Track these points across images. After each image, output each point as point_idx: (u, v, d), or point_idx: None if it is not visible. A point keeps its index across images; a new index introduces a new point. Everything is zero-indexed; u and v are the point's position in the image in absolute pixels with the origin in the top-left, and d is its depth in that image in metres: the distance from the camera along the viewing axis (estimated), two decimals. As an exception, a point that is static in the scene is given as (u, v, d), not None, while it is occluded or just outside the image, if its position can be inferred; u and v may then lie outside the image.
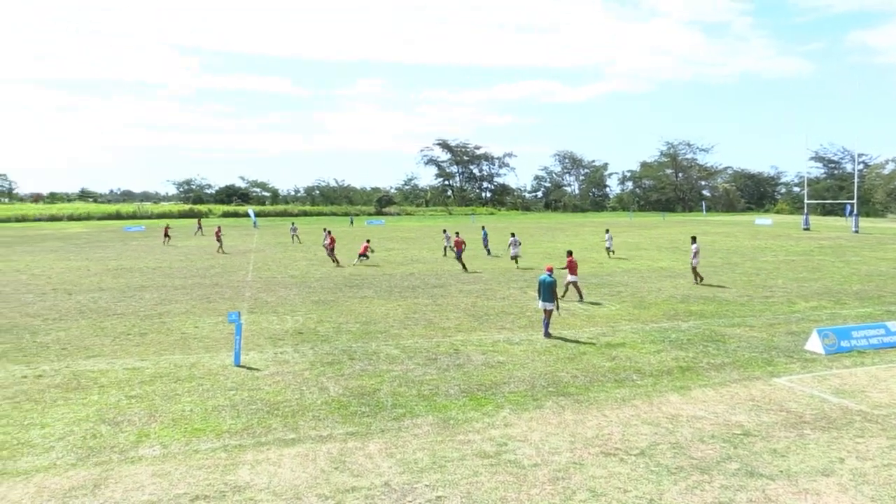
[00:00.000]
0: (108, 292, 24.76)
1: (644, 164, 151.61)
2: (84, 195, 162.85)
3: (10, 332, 17.71)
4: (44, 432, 10.33)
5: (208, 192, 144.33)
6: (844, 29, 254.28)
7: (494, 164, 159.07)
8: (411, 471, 8.76)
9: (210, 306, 21.57)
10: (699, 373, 13.32)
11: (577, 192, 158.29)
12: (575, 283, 22.10)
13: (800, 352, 14.98)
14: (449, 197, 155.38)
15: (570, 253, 22.91)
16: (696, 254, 26.04)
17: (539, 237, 56.74)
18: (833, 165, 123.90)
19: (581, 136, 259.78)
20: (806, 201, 73.44)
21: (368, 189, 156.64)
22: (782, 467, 8.86)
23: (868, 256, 37.02)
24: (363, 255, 34.27)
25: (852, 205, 70.44)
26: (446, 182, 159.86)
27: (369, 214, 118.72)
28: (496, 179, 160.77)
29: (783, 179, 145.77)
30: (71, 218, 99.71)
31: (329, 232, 43.01)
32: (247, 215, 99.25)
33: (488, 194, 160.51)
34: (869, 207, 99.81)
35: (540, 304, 16.59)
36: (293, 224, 54.28)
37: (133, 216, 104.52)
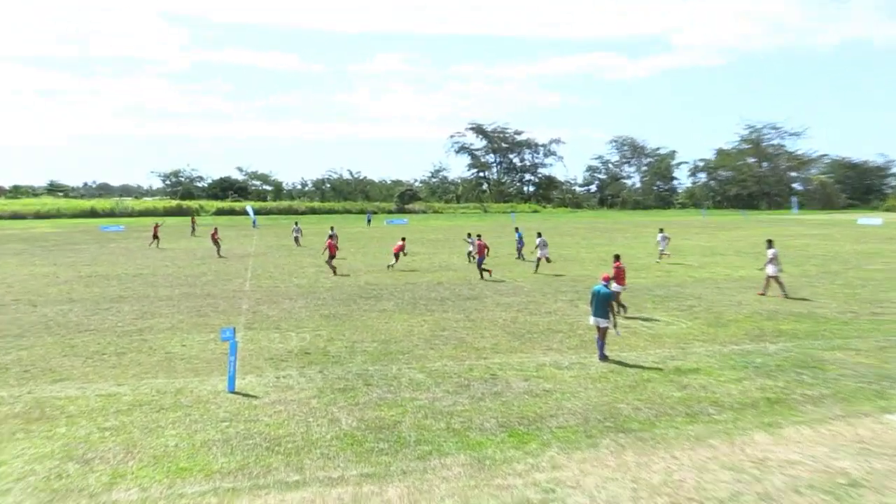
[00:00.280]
0: (79, 304, 25.13)
1: (720, 152, 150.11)
2: (53, 189, 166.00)
3: (-31, 349, 18.01)
4: None
5: (199, 185, 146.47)
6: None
7: (539, 153, 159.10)
8: (439, 522, 8.65)
9: (200, 321, 21.74)
10: (792, 406, 13.02)
11: (638, 185, 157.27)
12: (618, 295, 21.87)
13: (918, 381, 14.55)
14: (484, 192, 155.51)
15: (617, 258, 22.67)
16: (771, 260, 25.82)
17: (593, 240, 56.36)
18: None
19: (644, 119, 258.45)
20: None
21: (388, 182, 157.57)
22: (899, 525, 8.55)
23: None
24: (398, 256, 35.13)
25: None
26: (481, 174, 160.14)
27: (389, 212, 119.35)
28: (541, 171, 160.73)
29: (894, 170, 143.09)
30: (38, 215, 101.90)
31: (332, 233, 43.52)
32: (245, 213, 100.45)
33: (531, 188, 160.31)
34: None
35: (592, 319, 16.40)
36: (296, 224, 54.51)
37: (111, 214, 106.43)
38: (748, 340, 18.53)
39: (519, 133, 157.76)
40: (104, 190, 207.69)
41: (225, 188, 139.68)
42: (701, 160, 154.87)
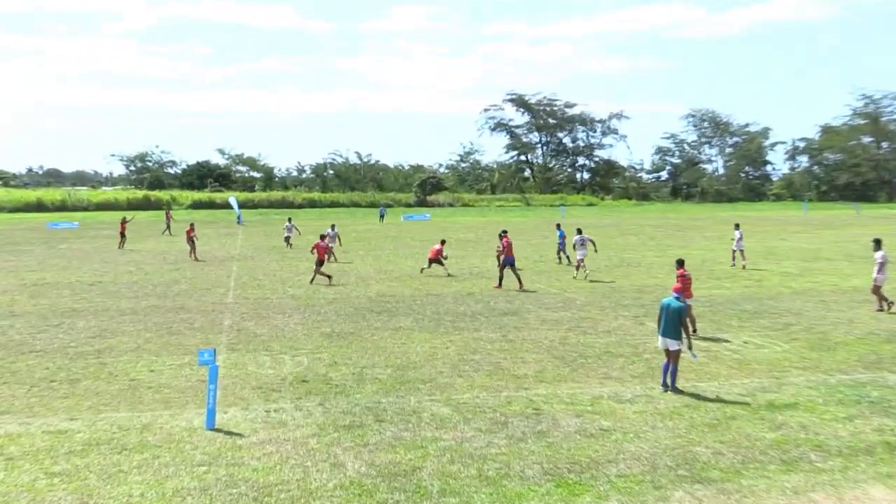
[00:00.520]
0: (22, 319, 25.46)
1: (826, 130, 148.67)
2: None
3: None
4: (-68, 522, 10.60)
5: (171, 171, 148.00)
6: None
7: (595, 131, 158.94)
8: None
9: (172, 340, 21.92)
10: (917, 452, 12.85)
11: (721, 171, 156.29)
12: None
13: None
14: (526, 180, 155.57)
15: (680, 263, 22.47)
16: (881, 267, 25.61)
17: (663, 240, 56.06)
18: None
19: (728, 89, 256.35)
20: None
21: (406, 168, 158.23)
22: None
23: None
24: (438, 261, 35.42)
25: None
26: (522, 157, 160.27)
27: (407, 206, 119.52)
28: (598, 153, 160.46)
29: None
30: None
31: (331, 231, 43.71)
32: (227, 206, 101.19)
33: (585, 175, 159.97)
34: None
35: (661, 340, 16.32)
36: (290, 221, 54.76)
37: (62, 207, 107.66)
38: (861, 369, 18.30)
39: (570, 106, 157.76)
40: (53, 178, 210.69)
41: (203, 175, 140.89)
42: (801, 140, 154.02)
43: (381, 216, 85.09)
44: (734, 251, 38.72)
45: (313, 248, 34.09)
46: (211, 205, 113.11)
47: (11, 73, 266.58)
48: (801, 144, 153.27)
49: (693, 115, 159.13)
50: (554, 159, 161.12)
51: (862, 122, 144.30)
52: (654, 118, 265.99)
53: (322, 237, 34.35)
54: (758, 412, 14.93)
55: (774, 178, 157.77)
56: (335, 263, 40.80)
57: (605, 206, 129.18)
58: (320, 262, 33.40)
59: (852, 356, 19.47)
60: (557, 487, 11.44)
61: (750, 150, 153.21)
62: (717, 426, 14.10)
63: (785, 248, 48.35)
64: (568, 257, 39.89)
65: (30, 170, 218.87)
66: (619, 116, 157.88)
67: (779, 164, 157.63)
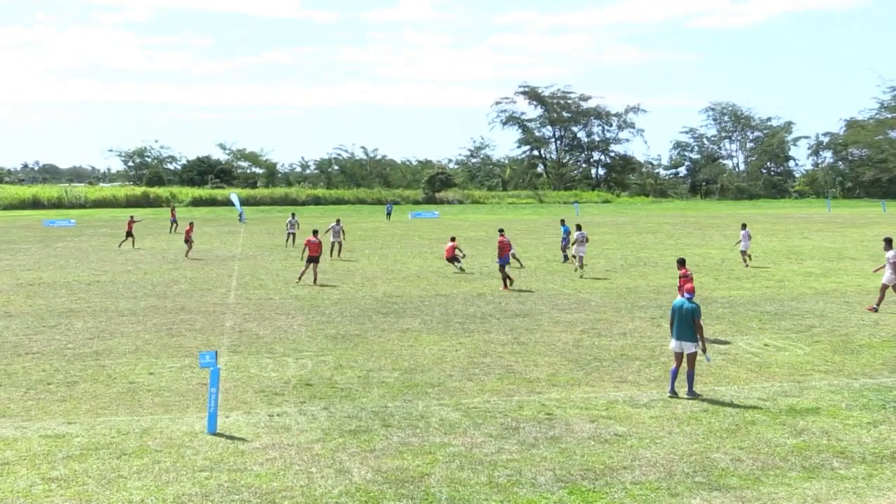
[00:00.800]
0: (18, 320, 25.57)
1: (852, 124, 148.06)
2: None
3: None
4: (-74, 528, 10.69)
5: (171, 167, 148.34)
6: None
7: (611, 125, 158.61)
8: None
9: (172, 342, 22.02)
10: (945, 459, 12.85)
11: (742, 167, 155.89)
12: None
13: None
14: (539, 175, 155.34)
15: (682, 263, 22.52)
16: (895, 266, 25.73)
17: (682, 239, 55.99)
18: None
19: (750, 81, 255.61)
20: None
21: (414, 163, 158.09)
22: None
23: None
24: (455, 258, 36.25)
25: None
26: (535, 152, 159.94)
27: (415, 203, 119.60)
28: (614, 148, 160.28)
29: None
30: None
31: (335, 225, 43.78)
32: (228, 203, 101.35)
33: (601, 171, 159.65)
34: None
35: (674, 344, 16.33)
36: (293, 217, 54.58)
37: (58, 204, 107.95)
38: (887, 373, 18.27)
39: (585, 99, 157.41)
40: (49, 174, 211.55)
41: (203, 171, 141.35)
42: (826, 134, 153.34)
43: (388, 214, 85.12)
44: (742, 252, 38.96)
45: (306, 244, 33.65)
46: (212, 202, 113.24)
47: (7, 65, 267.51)
48: (826, 139, 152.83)
49: (713, 109, 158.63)
50: (568, 154, 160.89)
51: (889, 115, 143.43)
52: (672, 112, 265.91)
53: (314, 233, 34.11)
54: (778, 417, 14.93)
55: (797, 175, 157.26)
56: (340, 261, 40.92)
57: (620, 202, 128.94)
58: (313, 259, 32.98)
59: (877, 359, 19.45)
60: (570, 495, 11.47)
61: (772, 145, 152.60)
62: (736, 431, 14.11)
63: (808, 248, 48.25)
64: (566, 255, 40.39)
65: (25, 166, 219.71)
66: (635, 110, 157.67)
67: (802, 159, 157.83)
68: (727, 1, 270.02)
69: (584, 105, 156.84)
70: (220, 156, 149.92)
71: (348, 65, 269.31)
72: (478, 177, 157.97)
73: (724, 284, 31.65)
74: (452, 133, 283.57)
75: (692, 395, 16.16)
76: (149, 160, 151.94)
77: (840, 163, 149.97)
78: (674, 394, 16.26)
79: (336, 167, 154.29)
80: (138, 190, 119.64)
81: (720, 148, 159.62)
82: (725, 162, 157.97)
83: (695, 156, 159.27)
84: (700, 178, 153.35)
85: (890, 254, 25.91)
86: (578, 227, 36.65)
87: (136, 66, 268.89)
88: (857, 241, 52.29)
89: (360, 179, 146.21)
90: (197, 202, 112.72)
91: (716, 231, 62.75)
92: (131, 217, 55.74)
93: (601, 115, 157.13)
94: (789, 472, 12.25)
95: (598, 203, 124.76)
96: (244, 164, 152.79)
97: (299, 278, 32.98)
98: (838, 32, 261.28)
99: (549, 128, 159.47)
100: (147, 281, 34.37)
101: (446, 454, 13.04)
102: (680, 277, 22.04)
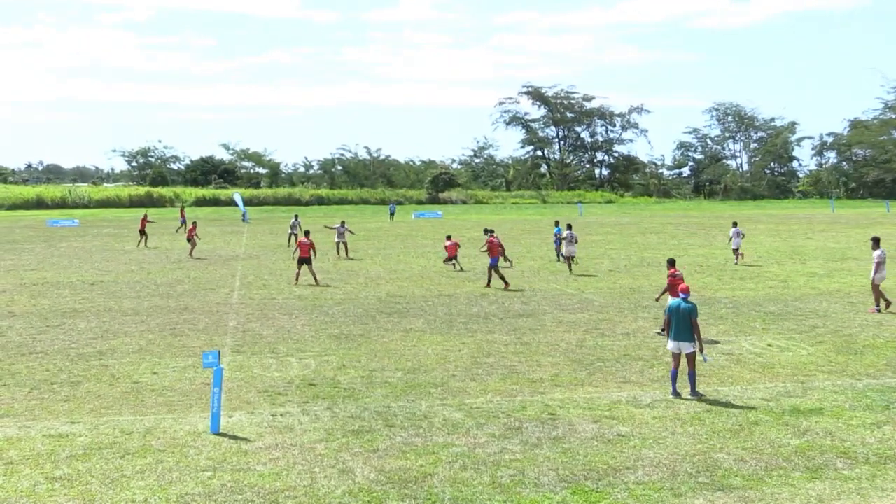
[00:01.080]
0: (22, 320, 25.63)
1: (855, 124, 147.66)
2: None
3: None
4: (-70, 527, 10.71)
5: (174, 167, 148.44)
6: None
7: (615, 125, 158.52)
8: None
9: (175, 342, 22.05)
10: (949, 460, 12.84)
11: (745, 167, 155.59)
12: None
13: None
14: (543, 176, 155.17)
15: (672, 263, 22.56)
16: (878, 265, 25.83)
17: (685, 239, 55.95)
18: None
19: (753, 81, 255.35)
20: None
21: (417, 163, 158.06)
22: None
23: None
24: (453, 258, 37.07)
25: None
26: (539, 153, 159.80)
27: (419, 203, 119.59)
28: (617, 148, 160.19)
29: None
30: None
31: (340, 226, 44.02)
32: (232, 203, 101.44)
33: (604, 171, 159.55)
34: None
35: (672, 345, 16.32)
36: (296, 217, 54.62)
37: (62, 204, 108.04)
38: (890, 373, 18.25)
39: (588, 99, 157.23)
40: (53, 174, 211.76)
41: (206, 171, 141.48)
42: (830, 134, 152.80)
43: (392, 214, 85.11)
44: (734, 250, 39.45)
45: (297, 245, 33.72)
46: (215, 201, 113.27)
47: (9, 66, 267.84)
48: (829, 139, 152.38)
49: (716, 109, 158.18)
50: (571, 154, 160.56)
51: (893, 115, 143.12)
52: (675, 112, 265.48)
53: (307, 234, 34.11)
54: (781, 417, 14.92)
55: (801, 175, 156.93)
56: (345, 261, 40.96)
57: (624, 203, 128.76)
58: (306, 261, 32.90)
59: (881, 360, 19.43)
60: (574, 495, 11.47)
61: (775, 145, 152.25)
62: (739, 432, 14.11)
63: (811, 248, 48.23)
64: (560, 255, 40.37)
65: (29, 165, 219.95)
66: (639, 110, 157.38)
67: (805, 160, 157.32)
68: (727, 1, 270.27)
69: (588, 105, 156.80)
70: (223, 155, 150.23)
71: (348, 65, 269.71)
72: (481, 177, 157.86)
73: (728, 285, 31.63)
74: (453, 133, 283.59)
75: (695, 395, 16.17)
76: (152, 160, 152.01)
77: (844, 163, 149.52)
78: (676, 395, 16.26)
79: (340, 167, 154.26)
80: (142, 190, 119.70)
81: (724, 148, 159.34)
82: (729, 162, 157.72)
83: (698, 156, 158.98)
84: (704, 179, 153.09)
85: (876, 253, 26.03)
86: (569, 227, 37.26)
87: (136, 66, 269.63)
88: (861, 242, 52.11)
89: (364, 179, 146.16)
90: (200, 202, 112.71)
91: (719, 231, 62.59)
92: (145, 215, 55.53)
93: (604, 115, 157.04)
94: (793, 473, 12.25)
95: (602, 203, 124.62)
96: (247, 163, 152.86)
97: (296, 281, 33.00)
98: (839, 32, 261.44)
99: (553, 128, 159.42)
100: (150, 281, 34.41)
101: (449, 454, 13.05)
102: (668, 277, 22.10)
